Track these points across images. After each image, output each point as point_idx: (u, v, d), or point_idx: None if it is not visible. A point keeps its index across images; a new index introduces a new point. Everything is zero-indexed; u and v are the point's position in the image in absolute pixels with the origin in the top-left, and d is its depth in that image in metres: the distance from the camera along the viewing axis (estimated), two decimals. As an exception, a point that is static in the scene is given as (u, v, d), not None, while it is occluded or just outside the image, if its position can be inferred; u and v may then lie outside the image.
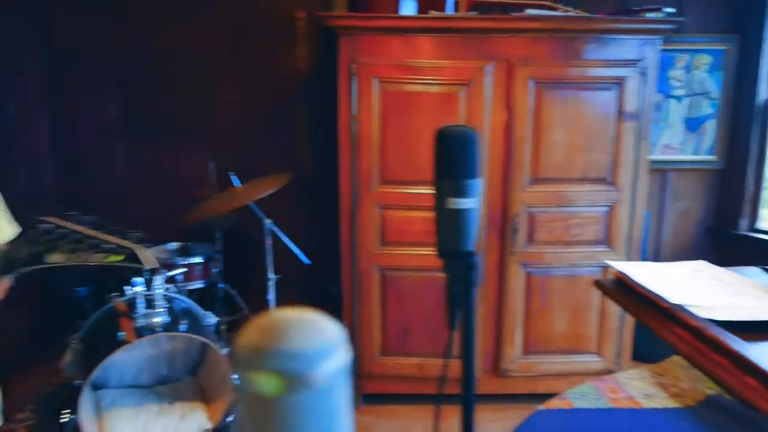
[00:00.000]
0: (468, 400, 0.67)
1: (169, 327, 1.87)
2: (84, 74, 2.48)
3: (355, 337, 2.07)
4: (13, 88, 2.35)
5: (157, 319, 1.89)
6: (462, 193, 0.63)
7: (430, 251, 2.02)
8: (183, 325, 1.87)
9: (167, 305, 1.95)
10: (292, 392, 0.29)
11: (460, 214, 0.63)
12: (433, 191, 0.66)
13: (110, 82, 2.49)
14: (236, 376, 0.31)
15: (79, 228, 1.52)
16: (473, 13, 1.90)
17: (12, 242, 1.06)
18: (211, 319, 2.13)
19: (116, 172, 2.59)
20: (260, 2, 2.51)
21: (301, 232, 2.42)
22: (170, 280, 2.08)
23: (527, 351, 2.05)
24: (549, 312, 2.02)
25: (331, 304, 2.76)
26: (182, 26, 2.50)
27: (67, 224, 1.48)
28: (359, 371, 2.08)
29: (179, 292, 2.13)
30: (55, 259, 1.30)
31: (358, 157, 1.93)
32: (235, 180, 2.19)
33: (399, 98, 1.89)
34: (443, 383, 0.67)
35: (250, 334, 0.29)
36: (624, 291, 1.00)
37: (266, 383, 0.27)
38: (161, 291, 1.89)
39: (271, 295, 2.29)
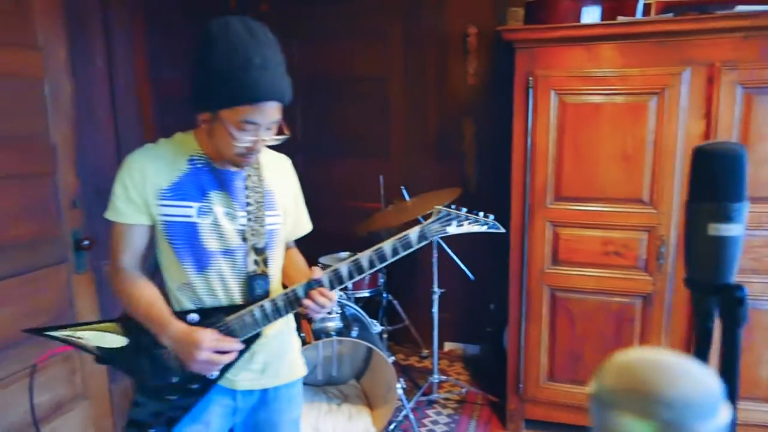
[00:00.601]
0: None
1: (342, 332, 2.00)
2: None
3: (521, 359, 1.99)
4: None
5: (331, 324, 2.04)
6: (727, 218, 0.56)
7: (606, 273, 1.89)
8: (354, 331, 1.99)
9: (340, 311, 2.10)
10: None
11: (723, 242, 0.56)
12: (688, 214, 0.60)
13: (296, 101, 2.72)
14: (596, 413, 0.29)
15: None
16: (668, 15, 1.74)
17: None
18: (376, 327, 2.23)
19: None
20: (432, 20, 2.56)
21: (465, 247, 2.42)
22: (342, 288, 2.21)
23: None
24: None
25: (492, 322, 2.76)
26: (358, 46, 2.64)
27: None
28: (523, 394, 2.00)
29: (349, 299, 2.26)
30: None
31: (532, 172, 1.87)
32: (406, 194, 2.25)
33: (578, 110, 1.79)
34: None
35: (622, 372, 0.27)
36: None
37: (638, 429, 0.24)
38: (336, 297, 2.02)
39: (435, 309, 2.32)
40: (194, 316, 0.98)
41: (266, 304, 0.99)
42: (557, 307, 1.94)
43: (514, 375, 2.04)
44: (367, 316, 2.16)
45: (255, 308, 0.99)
